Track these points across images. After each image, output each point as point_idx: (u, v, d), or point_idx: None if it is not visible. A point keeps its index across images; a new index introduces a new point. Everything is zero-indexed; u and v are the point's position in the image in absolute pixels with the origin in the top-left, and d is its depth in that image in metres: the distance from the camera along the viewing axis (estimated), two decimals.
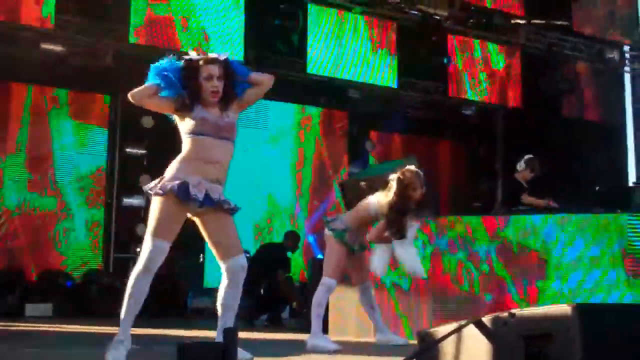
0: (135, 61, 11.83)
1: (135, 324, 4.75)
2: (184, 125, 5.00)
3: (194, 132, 4.92)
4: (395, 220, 6.59)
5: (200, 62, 5.01)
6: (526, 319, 3.09)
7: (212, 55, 5.12)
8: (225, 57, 5.11)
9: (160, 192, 4.78)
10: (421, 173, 6.70)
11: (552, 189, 10.17)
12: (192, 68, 5.00)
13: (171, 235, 4.82)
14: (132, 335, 4.74)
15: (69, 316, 10.83)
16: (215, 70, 5.00)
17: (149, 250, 4.75)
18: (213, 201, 4.81)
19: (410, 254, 6.72)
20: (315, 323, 6.73)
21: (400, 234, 6.63)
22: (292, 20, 13.88)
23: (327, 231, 6.98)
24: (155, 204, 4.82)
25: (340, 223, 6.92)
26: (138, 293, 4.72)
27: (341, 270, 6.96)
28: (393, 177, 6.65)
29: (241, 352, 4.74)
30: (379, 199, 6.77)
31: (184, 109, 4.97)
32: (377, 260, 6.83)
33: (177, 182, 4.77)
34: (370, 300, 7.22)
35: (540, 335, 2.97)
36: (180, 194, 4.73)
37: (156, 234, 4.77)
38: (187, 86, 4.97)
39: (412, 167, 6.71)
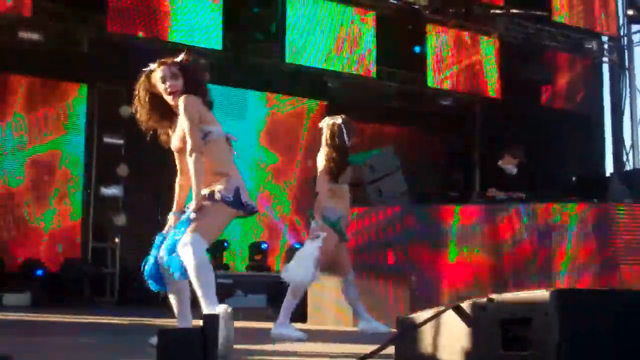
0: (112, 49, 11.85)
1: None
2: None
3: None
4: (334, 159, 6.76)
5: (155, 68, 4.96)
6: (504, 304, 3.11)
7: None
8: (180, 56, 5.03)
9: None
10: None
11: (529, 178, 10.22)
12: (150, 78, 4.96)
13: None
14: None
15: (46, 305, 10.77)
16: (165, 71, 4.91)
17: None
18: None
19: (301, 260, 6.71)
20: (283, 313, 6.63)
21: (337, 175, 6.78)
22: (271, 8, 13.81)
23: (314, 224, 6.81)
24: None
25: (332, 212, 6.81)
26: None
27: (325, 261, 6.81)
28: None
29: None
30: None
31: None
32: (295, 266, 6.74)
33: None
34: (355, 292, 7.11)
35: (518, 319, 2.99)
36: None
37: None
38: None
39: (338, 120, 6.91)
